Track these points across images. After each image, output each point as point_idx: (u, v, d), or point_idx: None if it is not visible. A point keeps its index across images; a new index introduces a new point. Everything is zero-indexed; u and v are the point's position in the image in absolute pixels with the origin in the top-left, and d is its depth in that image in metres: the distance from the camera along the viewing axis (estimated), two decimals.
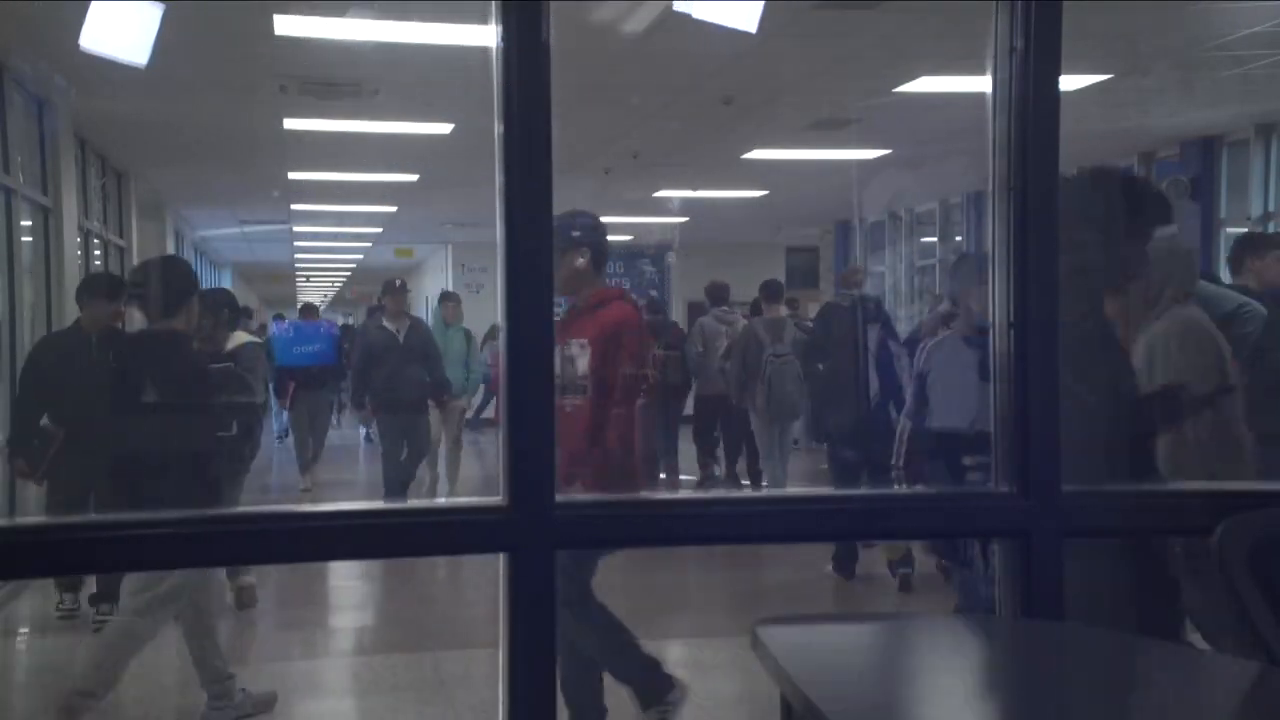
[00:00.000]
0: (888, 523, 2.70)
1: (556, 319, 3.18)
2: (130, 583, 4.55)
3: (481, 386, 11.14)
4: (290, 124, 8.57)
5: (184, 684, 4.83)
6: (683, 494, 7.65)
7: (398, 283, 8.96)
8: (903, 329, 8.18)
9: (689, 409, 10.40)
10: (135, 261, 10.82)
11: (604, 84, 7.28)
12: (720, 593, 6.96)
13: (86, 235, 9.42)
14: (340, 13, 6.08)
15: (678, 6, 5.09)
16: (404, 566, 7.16)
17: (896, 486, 5.67)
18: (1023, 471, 2.43)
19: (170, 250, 12.74)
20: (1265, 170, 9.30)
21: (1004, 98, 2.46)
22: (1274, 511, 2.40)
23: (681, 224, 15.09)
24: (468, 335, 9.88)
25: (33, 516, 5.19)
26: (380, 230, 16.25)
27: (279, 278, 23.55)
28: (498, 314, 2.32)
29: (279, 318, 14.91)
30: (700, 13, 4.98)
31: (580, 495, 3.38)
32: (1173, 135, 9.70)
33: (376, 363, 8.56)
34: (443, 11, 5.93)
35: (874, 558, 6.97)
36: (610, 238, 4.34)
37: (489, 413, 12.57)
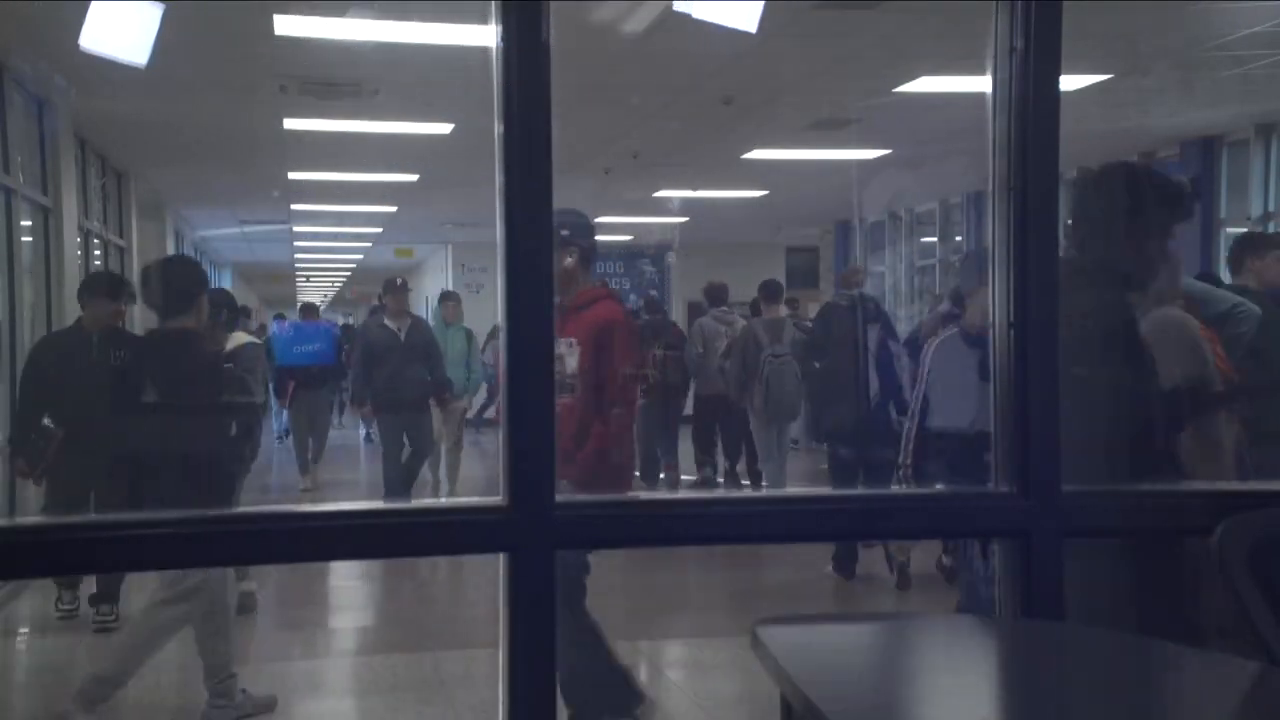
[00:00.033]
0: (888, 523, 2.70)
1: None
2: (158, 579, 4.58)
3: (483, 386, 11.14)
4: (290, 124, 8.57)
5: (184, 684, 4.83)
6: (682, 494, 7.67)
7: (399, 281, 8.95)
8: (903, 329, 8.19)
9: (689, 409, 10.41)
10: (135, 262, 10.83)
11: (604, 84, 7.28)
12: (720, 593, 6.96)
13: (86, 235, 9.42)
14: (340, 13, 6.08)
15: (678, 6, 5.09)
16: (404, 566, 7.17)
17: (900, 486, 5.66)
18: (1023, 471, 2.43)
19: (170, 250, 12.76)
20: (1265, 170, 9.30)
21: (1004, 98, 2.46)
22: (1274, 511, 2.40)
23: (681, 224, 15.07)
24: (468, 335, 9.89)
25: (33, 516, 5.18)
26: (380, 230, 16.24)
27: (279, 278, 23.56)
28: (498, 314, 2.32)
29: (279, 317, 14.92)
30: (700, 13, 4.98)
31: (580, 495, 3.38)
32: (1173, 135, 9.69)
33: (378, 361, 8.55)
34: (443, 11, 5.93)
35: (874, 558, 6.97)
36: (610, 238, 4.35)
37: (490, 413, 12.58)
